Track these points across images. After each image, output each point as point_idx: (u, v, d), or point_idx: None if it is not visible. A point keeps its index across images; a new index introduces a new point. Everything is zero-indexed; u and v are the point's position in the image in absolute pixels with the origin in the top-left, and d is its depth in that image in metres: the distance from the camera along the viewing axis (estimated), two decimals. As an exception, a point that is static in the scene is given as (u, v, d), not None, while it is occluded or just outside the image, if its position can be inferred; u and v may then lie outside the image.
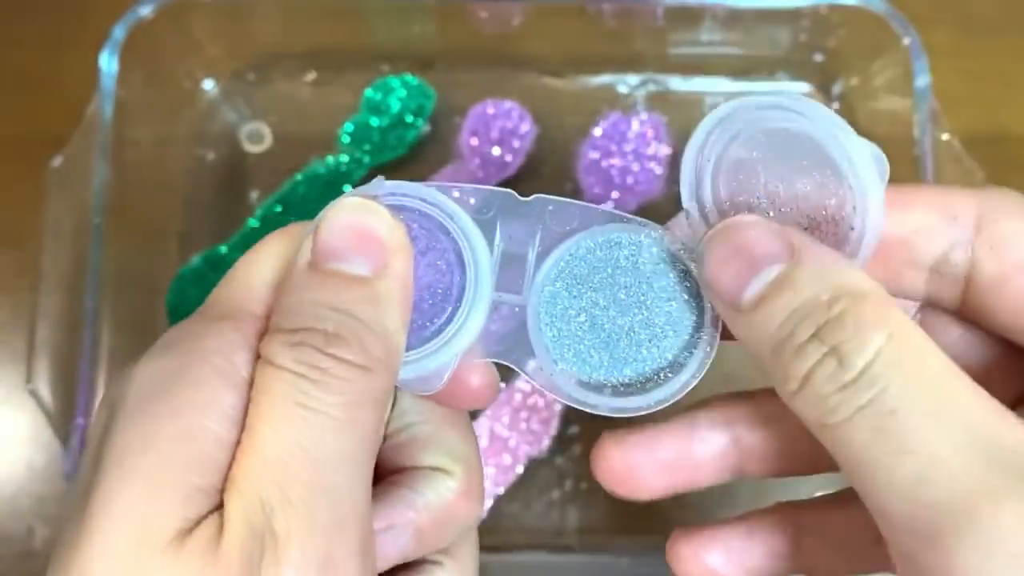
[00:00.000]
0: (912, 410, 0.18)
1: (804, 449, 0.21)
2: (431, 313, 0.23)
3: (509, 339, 0.24)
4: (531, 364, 0.24)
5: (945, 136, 0.47)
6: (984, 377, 0.21)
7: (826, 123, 0.22)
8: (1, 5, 0.55)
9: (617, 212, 0.25)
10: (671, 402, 0.24)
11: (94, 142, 0.46)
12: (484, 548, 0.48)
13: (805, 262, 0.20)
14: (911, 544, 0.18)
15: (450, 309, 0.23)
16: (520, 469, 0.48)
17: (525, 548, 0.48)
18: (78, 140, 0.46)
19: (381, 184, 0.24)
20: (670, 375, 0.24)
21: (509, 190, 0.25)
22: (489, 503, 0.47)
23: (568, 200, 0.25)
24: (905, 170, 0.48)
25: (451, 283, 0.24)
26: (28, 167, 0.50)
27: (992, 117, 0.54)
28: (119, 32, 0.47)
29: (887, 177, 0.22)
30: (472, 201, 0.24)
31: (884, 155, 0.22)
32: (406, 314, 0.22)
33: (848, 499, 0.21)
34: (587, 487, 0.48)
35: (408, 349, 0.23)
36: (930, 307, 0.24)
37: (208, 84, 0.53)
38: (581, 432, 0.49)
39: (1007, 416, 0.18)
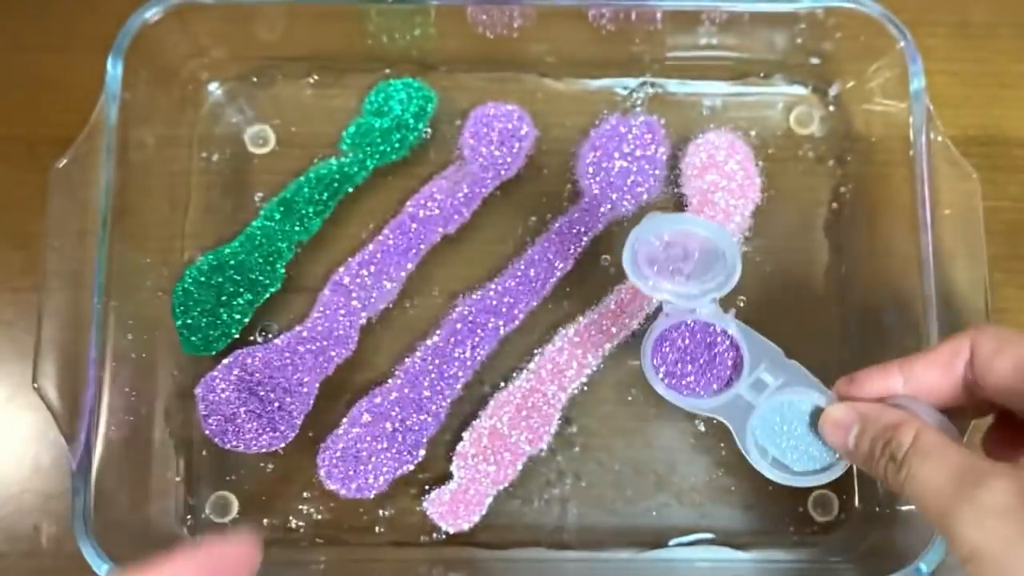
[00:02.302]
0: (920, 466, 0.33)
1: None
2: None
3: (736, 414, 0.41)
4: (747, 440, 0.41)
5: (940, 138, 0.48)
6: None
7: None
8: (7, 8, 0.55)
9: (813, 378, 0.40)
10: (819, 483, 0.40)
11: (99, 143, 0.47)
12: (484, 545, 0.49)
13: (868, 418, 0.37)
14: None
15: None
16: (520, 466, 0.48)
17: (524, 545, 0.48)
18: (84, 141, 0.47)
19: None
20: (823, 471, 0.40)
21: (777, 350, 0.41)
22: (489, 500, 0.48)
23: (798, 367, 0.41)
24: (901, 171, 0.49)
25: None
26: (34, 168, 0.50)
27: (986, 119, 0.55)
28: (124, 35, 0.48)
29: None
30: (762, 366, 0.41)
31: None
32: None
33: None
34: (586, 484, 0.49)
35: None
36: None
37: (212, 86, 0.54)
38: (580, 431, 0.49)
39: (975, 456, 0.33)
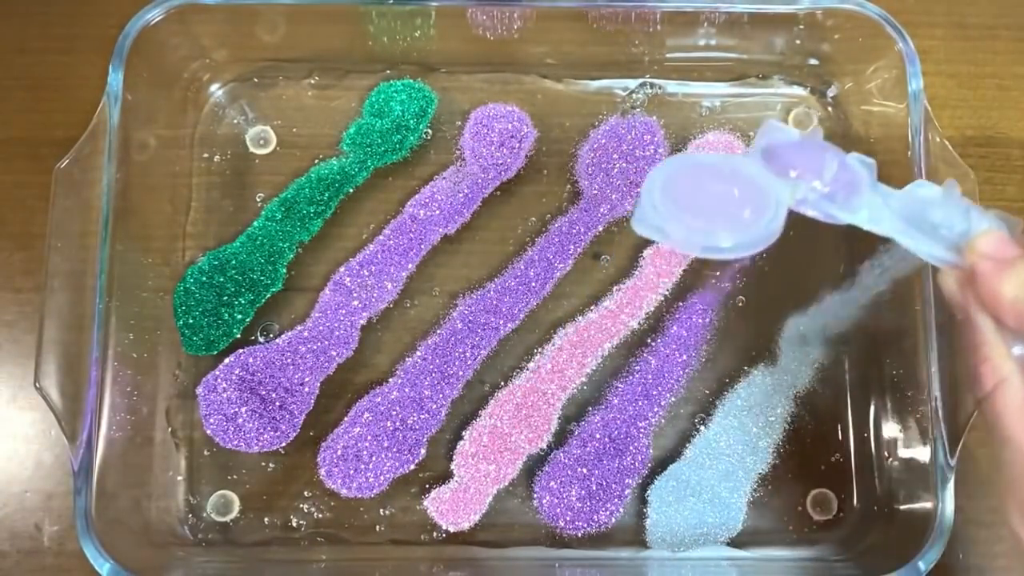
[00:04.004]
0: (997, 416, 0.35)
1: None
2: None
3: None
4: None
5: (938, 139, 0.48)
6: None
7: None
8: (10, 9, 0.55)
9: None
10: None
11: (101, 144, 0.47)
12: (484, 543, 0.49)
13: (967, 322, 0.36)
14: None
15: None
16: (520, 465, 0.48)
17: (524, 544, 0.48)
18: (85, 142, 0.47)
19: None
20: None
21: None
22: (489, 499, 0.48)
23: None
24: (899, 172, 0.49)
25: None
26: (36, 169, 0.50)
27: (984, 120, 0.55)
28: (126, 37, 0.48)
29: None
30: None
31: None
32: None
33: None
34: (586, 484, 0.49)
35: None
36: None
37: (214, 87, 0.54)
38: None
39: None
